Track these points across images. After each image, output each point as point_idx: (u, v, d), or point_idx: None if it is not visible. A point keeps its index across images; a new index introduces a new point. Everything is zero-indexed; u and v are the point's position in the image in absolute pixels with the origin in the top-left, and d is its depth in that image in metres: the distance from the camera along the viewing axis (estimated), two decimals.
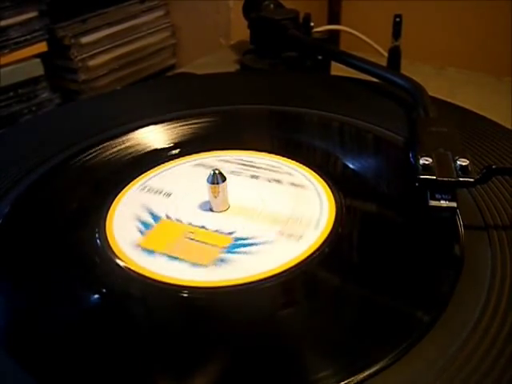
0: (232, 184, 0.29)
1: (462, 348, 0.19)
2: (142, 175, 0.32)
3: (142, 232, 0.27)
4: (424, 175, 0.26)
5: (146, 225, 0.28)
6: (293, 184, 0.30)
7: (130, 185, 0.31)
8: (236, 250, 0.25)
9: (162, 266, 0.25)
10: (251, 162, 0.33)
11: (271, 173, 0.31)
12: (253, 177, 0.31)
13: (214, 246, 0.26)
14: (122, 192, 0.30)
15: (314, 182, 0.30)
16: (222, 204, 0.28)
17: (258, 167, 0.32)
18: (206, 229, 0.27)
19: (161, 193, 0.30)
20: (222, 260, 0.25)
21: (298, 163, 0.32)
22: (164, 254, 0.26)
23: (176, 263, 0.25)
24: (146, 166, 0.33)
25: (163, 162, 0.33)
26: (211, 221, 0.28)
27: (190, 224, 0.27)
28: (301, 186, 0.30)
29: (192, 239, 0.26)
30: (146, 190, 0.31)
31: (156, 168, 0.33)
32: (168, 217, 0.28)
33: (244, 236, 0.26)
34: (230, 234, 0.27)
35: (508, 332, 0.20)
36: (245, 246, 0.26)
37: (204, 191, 0.28)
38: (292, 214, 0.28)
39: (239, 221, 0.27)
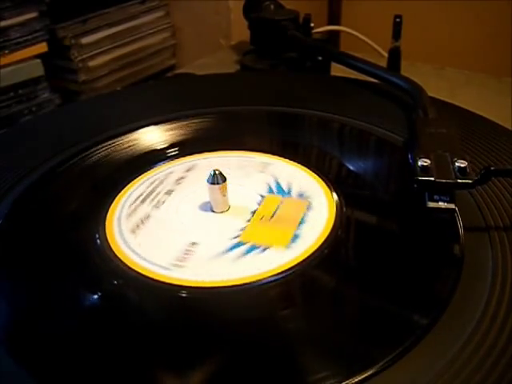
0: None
1: (463, 349, 0.19)
2: (150, 171, 0.32)
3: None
4: (422, 177, 0.26)
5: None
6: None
7: (129, 184, 0.31)
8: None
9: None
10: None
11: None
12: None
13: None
14: (122, 192, 0.30)
15: (315, 186, 0.30)
16: (221, 204, 0.28)
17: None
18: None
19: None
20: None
21: (297, 163, 0.32)
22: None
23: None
24: (145, 166, 0.33)
25: (168, 161, 0.33)
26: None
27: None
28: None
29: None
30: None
31: (167, 164, 0.33)
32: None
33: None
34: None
35: (509, 333, 0.20)
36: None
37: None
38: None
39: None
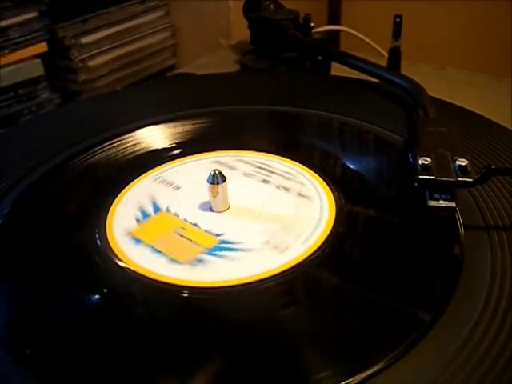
0: (240, 185, 0.29)
1: (462, 348, 0.19)
2: (157, 167, 0.33)
3: (138, 221, 0.28)
4: (423, 175, 0.26)
5: (145, 214, 0.28)
6: (300, 194, 0.30)
7: (130, 185, 0.31)
8: (217, 252, 0.25)
9: (142, 257, 0.25)
10: (266, 164, 0.33)
11: (282, 179, 0.31)
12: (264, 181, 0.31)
13: (198, 245, 0.26)
14: (123, 192, 0.30)
15: (317, 186, 0.30)
16: (221, 204, 0.28)
17: (272, 171, 0.32)
18: (198, 227, 0.27)
19: (171, 185, 0.31)
20: (199, 260, 0.25)
21: (297, 163, 0.32)
22: (149, 246, 0.26)
23: (156, 256, 0.25)
24: (145, 167, 0.33)
25: (169, 160, 0.33)
26: (206, 220, 0.28)
27: (185, 220, 0.28)
28: (307, 197, 0.29)
29: (181, 235, 0.27)
30: (159, 180, 0.31)
31: (172, 162, 0.33)
32: (168, 210, 0.29)
33: (231, 240, 0.26)
34: (218, 235, 0.27)
35: (508, 332, 0.20)
36: (227, 250, 0.26)
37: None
38: (287, 224, 0.27)
39: (234, 223, 0.27)
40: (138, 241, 0.26)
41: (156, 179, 0.31)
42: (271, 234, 0.27)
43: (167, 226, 0.27)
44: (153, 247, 0.26)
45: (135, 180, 0.32)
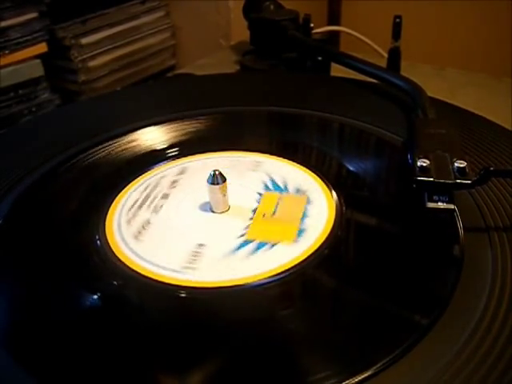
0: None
1: (462, 349, 0.19)
2: (150, 171, 0.32)
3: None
4: (421, 177, 0.26)
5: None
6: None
7: (130, 185, 0.31)
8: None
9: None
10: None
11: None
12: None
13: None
14: (123, 192, 0.30)
15: (315, 186, 0.30)
16: (221, 205, 0.28)
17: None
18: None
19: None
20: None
21: (297, 164, 0.32)
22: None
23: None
24: (145, 167, 0.33)
25: (167, 161, 0.33)
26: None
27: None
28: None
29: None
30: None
31: (165, 164, 0.33)
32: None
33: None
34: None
35: (508, 334, 0.20)
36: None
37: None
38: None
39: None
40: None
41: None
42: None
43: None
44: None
45: (135, 180, 0.32)
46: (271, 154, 0.33)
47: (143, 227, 0.28)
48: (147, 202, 0.29)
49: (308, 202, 0.29)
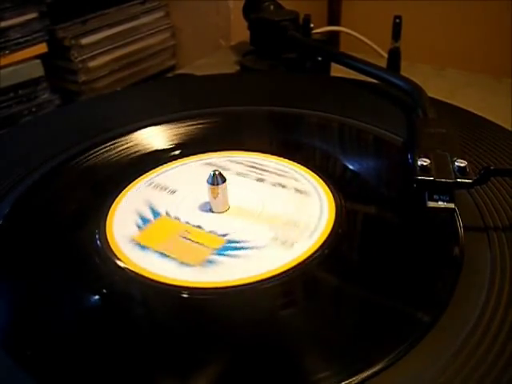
0: (236, 185, 0.29)
1: (462, 348, 0.19)
2: (151, 171, 0.32)
3: (139, 227, 0.28)
4: (422, 176, 0.26)
5: (145, 220, 0.28)
6: (297, 190, 0.30)
7: (130, 185, 0.31)
8: (226, 252, 0.26)
9: (151, 263, 0.25)
10: (259, 164, 0.33)
11: (277, 177, 0.31)
12: (258, 180, 0.31)
13: (205, 247, 0.26)
14: (123, 192, 0.31)
15: (315, 185, 0.30)
16: (221, 205, 0.28)
17: (265, 170, 0.32)
18: (202, 229, 0.27)
19: (166, 189, 0.31)
20: (210, 261, 0.25)
21: (298, 165, 0.32)
22: (156, 251, 0.26)
23: (165, 261, 0.25)
24: (145, 167, 0.33)
25: (168, 162, 0.33)
26: (208, 221, 0.28)
27: (188, 223, 0.28)
28: (304, 193, 0.29)
29: (186, 238, 0.27)
30: (153, 185, 0.31)
31: (164, 165, 0.33)
32: (168, 214, 0.28)
33: (237, 239, 0.26)
34: (224, 235, 0.27)
35: (507, 332, 0.20)
36: (235, 249, 0.26)
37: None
38: (289, 220, 0.28)
39: (236, 223, 0.27)
40: (143, 247, 0.26)
41: (150, 184, 0.31)
42: (276, 230, 0.27)
43: (170, 231, 0.27)
44: (161, 252, 0.26)
45: (135, 180, 0.32)
46: (271, 153, 0.33)
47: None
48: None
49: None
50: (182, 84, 0.48)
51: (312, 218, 0.27)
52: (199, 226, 0.27)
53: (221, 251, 0.26)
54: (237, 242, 0.26)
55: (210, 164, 0.33)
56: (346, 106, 0.38)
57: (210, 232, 0.27)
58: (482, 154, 0.31)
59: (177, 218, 0.28)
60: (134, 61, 0.75)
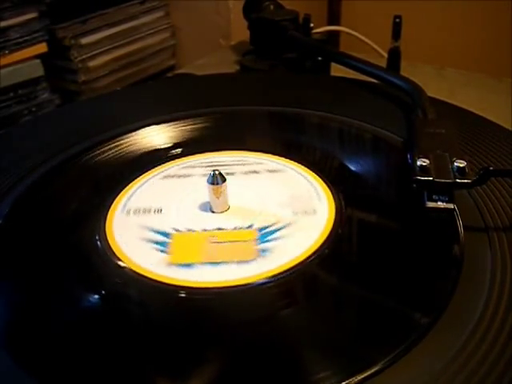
0: (234, 185, 0.29)
1: (463, 349, 0.19)
2: (117, 197, 0.30)
3: (163, 251, 0.26)
4: (421, 176, 0.26)
5: (162, 243, 0.26)
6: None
7: (129, 186, 0.31)
8: (268, 237, 0.26)
9: (209, 274, 0.24)
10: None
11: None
12: (247, 173, 0.32)
13: (246, 241, 0.26)
14: (123, 192, 0.30)
15: (315, 185, 0.30)
16: (222, 204, 0.28)
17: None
18: (224, 229, 0.27)
19: (150, 211, 0.29)
20: (263, 250, 0.25)
21: (297, 163, 0.32)
22: (204, 263, 0.25)
23: (222, 267, 0.24)
24: (145, 167, 0.33)
25: (164, 163, 0.33)
26: (221, 221, 0.27)
27: (205, 230, 0.27)
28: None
29: (218, 242, 0.26)
30: (132, 211, 0.29)
31: (126, 188, 0.31)
32: (177, 230, 0.27)
33: (265, 225, 0.27)
34: (249, 227, 0.27)
35: (508, 333, 0.20)
36: (272, 232, 0.26)
37: (195, 197, 0.29)
38: (293, 196, 0.29)
39: (246, 217, 0.28)
40: (187, 265, 0.25)
41: (128, 211, 0.29)
42: (289, 207, 0.28)
43: (196, 242, 0.26)
44: (210, 262, 0.25)
45: (135, 180, 0.32)
46: (271, 153, 0.33)
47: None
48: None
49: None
50: (182, 84, 0.48)
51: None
52: (220, 228, 0.27)
53: (263, 238, 0.26)
54: (267, 228, 0.27)
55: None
56: (345, 105, 0.38)
57: (235, 228, 0.27)
58: (482, 153, 0.31)
59: (190, 230, 0.27)
60: (133, 60, 0.75)
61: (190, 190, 0.30)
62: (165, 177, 0.32)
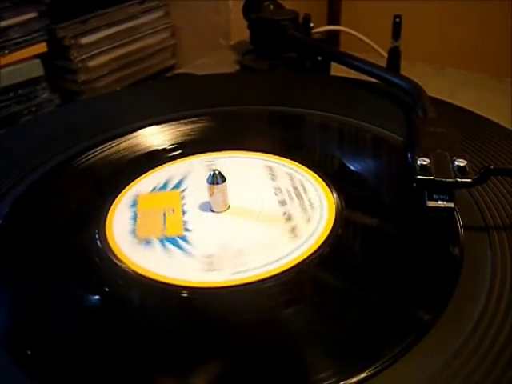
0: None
1: (462, 348, 0.19)
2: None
3: (154, 189, 0.30)
4: (421, 175, 0.26)
5: (164, 186, 0.30)
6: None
7: (129, 186, 0.31)
8: (167, 243, 0.26)
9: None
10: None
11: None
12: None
13: (164, 230, 0.27)
14: (122, 193, 0.30)
15: (315, 185, 0.30)
16: (221, 204, 0.28)
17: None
18: (184, 215, 0.28)
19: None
20: (148, 242, 0.26)
21: (297, 163, 0.32)
22: (135, 213, 0.28)
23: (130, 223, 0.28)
24: (145, 167, 0.33)
25: (164, 163, 0.33)
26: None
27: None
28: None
29: (164, 215, 0.28)
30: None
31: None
32: (183, 190, 0.30)
33: (188, 239, 0.27)
34: (187, 230, 0.27)
35: (508, 332, 0.20)
36: (177, 245, 0.26)
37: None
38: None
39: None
40: (133, 205, 0.29)
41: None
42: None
43: (165, 202, 0.29)
44: (135, 216, 0.28)
45: (135, 180, 0.32)
46: (271, 153, 0.33)
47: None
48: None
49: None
50: (182, 84, 0.48)
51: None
52: (185, 212, 0.28)
53: (168, 240, 0.26)
54: (184, 241, 0.26)
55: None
56: (345, 105, 0.38)
57: (184, 222, 0.28)
58: (482, 153, 0.31)
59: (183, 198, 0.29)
60: (133, 60, 0.75)
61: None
62: (216, 163, 0.33)
